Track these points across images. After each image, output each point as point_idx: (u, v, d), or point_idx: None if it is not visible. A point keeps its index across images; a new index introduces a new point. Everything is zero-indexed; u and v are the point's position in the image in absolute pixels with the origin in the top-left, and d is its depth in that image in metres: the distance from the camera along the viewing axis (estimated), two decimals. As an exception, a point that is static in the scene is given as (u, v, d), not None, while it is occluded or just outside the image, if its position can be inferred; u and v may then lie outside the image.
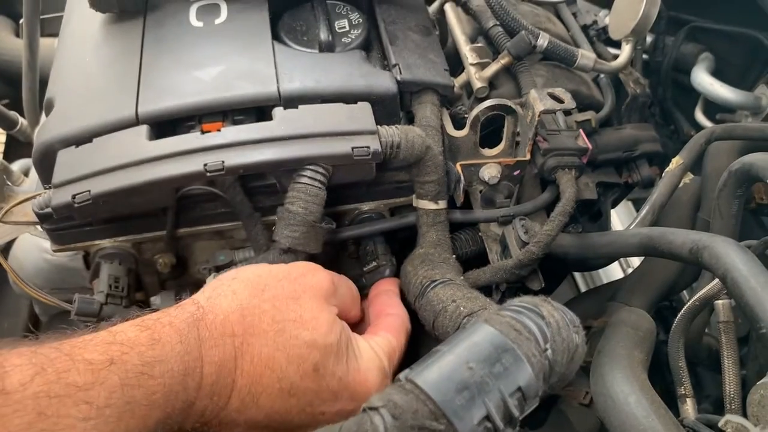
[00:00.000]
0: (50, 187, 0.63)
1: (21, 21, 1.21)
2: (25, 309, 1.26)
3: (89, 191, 0.60)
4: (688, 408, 0.72)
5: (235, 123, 0.67)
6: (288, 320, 0.54)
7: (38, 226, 0.71)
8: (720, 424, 0.45)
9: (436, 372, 0.39)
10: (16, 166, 1.35)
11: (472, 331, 0.41)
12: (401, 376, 0.39)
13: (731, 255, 0.49)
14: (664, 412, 0.57)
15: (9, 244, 0.91)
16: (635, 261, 0.97)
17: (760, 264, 0.48)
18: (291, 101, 0.67)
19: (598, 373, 0.63)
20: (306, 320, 0.55)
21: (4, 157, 1.48)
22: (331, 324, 0.57)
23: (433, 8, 0.90)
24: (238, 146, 0.63)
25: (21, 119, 1.30)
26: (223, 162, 0.61)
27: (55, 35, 1.48)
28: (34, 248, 0.88)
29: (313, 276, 0.60)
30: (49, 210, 0.63)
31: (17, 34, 1.69)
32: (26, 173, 1.29)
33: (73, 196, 0.60)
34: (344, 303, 0.64)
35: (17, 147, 1.46)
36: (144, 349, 0.46)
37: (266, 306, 0.55)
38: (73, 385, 0.41)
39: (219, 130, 0.64)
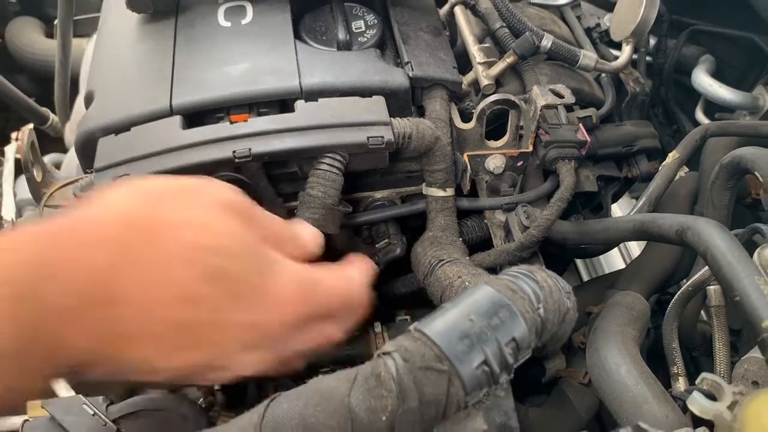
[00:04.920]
0: (90, 172, 0.68)
1: (55, 22, 1.27)
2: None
3: (128, 175, 0.65)
4: (680, 386, 0.76)
5: (261, 114, 0.71)
6: (184, 226, 0.49)
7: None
8: (697, 382, 0.50)
9: (441, 323, 0.44)
10: (47, 159, 1.41)
11: (474, 291, 0.46)
12: (411, 327, 0.44)
13: (711, 233, 0.53)
14: (652, 381, 0.61)
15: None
16: (636, 253, 1.01)
17: (737, 242, 0.52)
18: (311, 95, 0.71)
19: (593, 347, 0.67)
20: (205, 223, 0.50)
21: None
22: (233, 228, 0.51)
23: (443, 10, 0.94)
24: (264, 135, 0.67)
25: (52, 115, 1.36)
26: (250, 149, 0.65)
27: (84, 36, 1.55)
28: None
29: (214, 186, 0.55)
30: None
31: (47, 35, 1.76)
32: (57, 167, 1.35)
33: (113, 180, 0.65)
34: (276, 236, 0.56)
35: (47, 142, 1.52)
36: None
37: (165, 214, 0.50)
38: None
39: (246, 121, 0.69)
